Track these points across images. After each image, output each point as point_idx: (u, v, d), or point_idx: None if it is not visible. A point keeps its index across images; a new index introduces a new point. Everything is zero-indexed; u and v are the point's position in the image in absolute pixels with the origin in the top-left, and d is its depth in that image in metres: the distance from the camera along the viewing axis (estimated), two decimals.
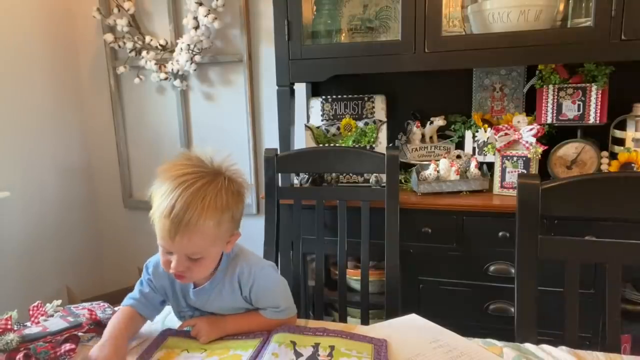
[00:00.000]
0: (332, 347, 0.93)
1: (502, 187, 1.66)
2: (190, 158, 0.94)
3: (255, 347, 0.95)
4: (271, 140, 2.24)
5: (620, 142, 1.63)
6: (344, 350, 0.92)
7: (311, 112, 1.99)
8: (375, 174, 1.70)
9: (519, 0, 1.54)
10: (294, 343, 0.94)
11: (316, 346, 0.93)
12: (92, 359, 0.88)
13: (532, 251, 1.02)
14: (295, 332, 0.99)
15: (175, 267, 0.91)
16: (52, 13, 2.32)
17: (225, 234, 0.94)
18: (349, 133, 1.81)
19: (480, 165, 1.71)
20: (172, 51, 2.23)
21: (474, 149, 1.80)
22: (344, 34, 1.89)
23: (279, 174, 1.55)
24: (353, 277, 1.80)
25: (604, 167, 1.61)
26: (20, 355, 0.86)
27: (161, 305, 1.08)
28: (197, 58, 2.18)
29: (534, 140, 1.59)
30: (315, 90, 2.06)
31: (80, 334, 0.97)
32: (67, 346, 0.91)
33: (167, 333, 1.04)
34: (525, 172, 1.61)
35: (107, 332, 0.96)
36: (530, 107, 1.79)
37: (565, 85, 1.65)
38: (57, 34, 2.35)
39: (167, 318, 1.11)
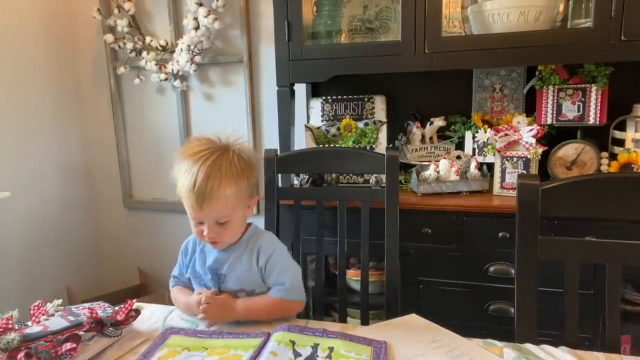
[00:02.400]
0: (331, 349, 0.93)
1: (502, 187, 1.66)
2: (200, 139, 1.08)
3: (255, 347, 0.95)
4: (271, 140, 2.24)
5: (620, 142, 1.63)
6: (343, 352, 0.92)
7: (311, 113, 1.99)
8: (375, 175, 1.71)
9: (519, 1, 1.54)
10: (293, 342, 0.94)
11: (315, 347, 0.93)
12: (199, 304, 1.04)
13: (532, 251, 1.03)
14: (294, 332, 0.99)
15: (208, 234, 1.05)
16: (52, 13, 2.32)
17: (245, 198, 1.08)
18: (349, 133, 1.81)
19: (480, 165, 1.71)
20: (173, 52, 2.23)
21: (474, 149, 1.80)
22: (344, 35, 1.90)
23: (279, 175, 1.55)
24: (353, 278, 1.80)
25: (604, 168, 1.61)
26: (21, 355, 0.86)
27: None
28: (198, 58, 2.18)
29: (533, 140, 1.59)
30: (315, 91, 2.06)
31: (81, 333, 0.97)
32: (68, 345, 0.91)
33: (169, 332, 1.04)
34: (525, 172, 1.61)
35: (183, 300, 1.13)
36: (530, 107, 1.80)
37: (565, 85, 1.65)
38: (57, 35, 2.35)
39: (169, 317, 1.11)
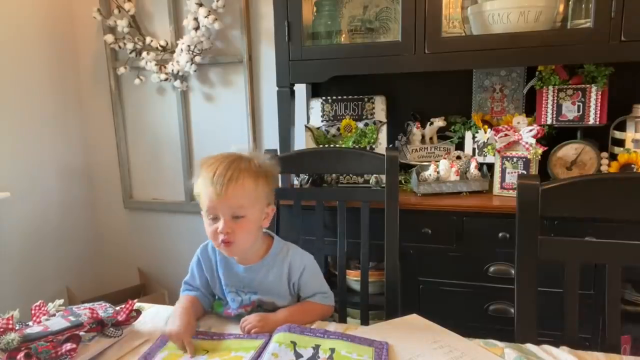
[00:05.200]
0: (332, 350, 0.93)
1: (502, 188, 1.66)
2: (222, 153, 1.11)
3: (256, 348, 0.95)
4: (271, 141, 2.24)
5: (620, 143, 1.63)
6: (344, 353, 0.92)
7: (311, 113, 1.99)
8: (375, 175, 1.71)
9: (519, 1, 1.54)
10: (294, 344, 0.94)
11: (316, 348, 0.93)
12: (165, 333, 1.00)
13: (532, 252, 1.03)
14: (295, 332, 0.99)
15: (223, 229, 1.04)
16: (52, 14, 2.32)
17: (263, 199, 1.10)
18: (349, 134, 1.81)
19: (480, 166, 1.71)
20: (173, 52, 2.23)
21: (473, 149, 1.80)
22: (344, 35, 1.90)
23: (279, 175, 1.55)
24: (353, 278, 1.80)
25: (604, 168, 1.61)
26: (21, 355, 0.87)
27: (210, 294, 1.19)
28: (198, 59, 2.18)
29: (533, 141, 1.59)
30: (315, 91, 2.06)
31: (81, 333, 0.97)
32: (68, 346, 0.91)
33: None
34: (525, 173, 1.61)
35: (174, 311, 1.09)
36: (530, 108, 1.80)
37: (565, 86, 1.65)
38: (57, 35, 2.35)
39: (170, 319, 1.11)
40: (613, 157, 1.62)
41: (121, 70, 2.34)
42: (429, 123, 1.91)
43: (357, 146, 1.75)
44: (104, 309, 1.04)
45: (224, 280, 1.15)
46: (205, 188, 1.05)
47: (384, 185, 1.39)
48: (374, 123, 1.80)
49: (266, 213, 1.12)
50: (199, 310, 1.14)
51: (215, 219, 1.06)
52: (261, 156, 1.14)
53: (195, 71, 2.20)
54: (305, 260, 1.16)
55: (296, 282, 1.14)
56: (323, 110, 1.96)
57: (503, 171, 1.65)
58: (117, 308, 1.05)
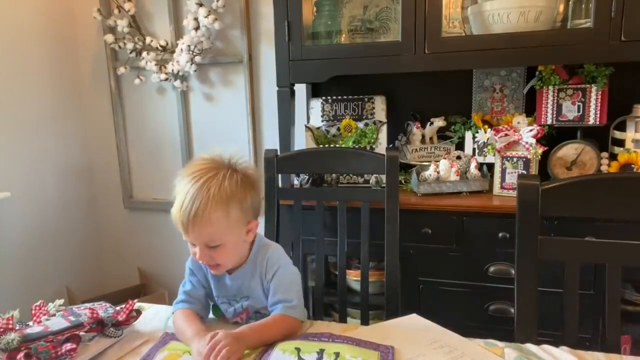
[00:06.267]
0: (337, 354, 0.91)
1: (502, 187, 1.66)
2: (204, 157, 1.04)
3: (258, 351, 0.95)
4: (271, 141, 2.24)
5: (620, 143, 1.63)
6: (349, 357, 0.91)
7: (311, 113, 1.99)
8: (375, 175, 1.71)
9: (519, 1, 1.54)
10: (298, 350, 0.93)
11: (321, 352, 0.92)
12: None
13: (532, 252, 1.03)
14: (299, 339, 0.98)
15: (200, 257, 1.01)
16: (52, 14, 2.32)
17: (238, 222, 1.01)
18: (349, 134, 1.81)
19: (480, 166, 1.71)
20: (173, 52, 2.23)
21: (474, 149, 1.80)
22: (344, 35, 1.90)
23: (279, 175, 1.55)
24: (353, 278, 1.80)
25: (604, 168, 1.61)
26: (21, 355, 0.87)
27: (206, 301, 1.14)
28: (198, 59, 2.18)
29: (533, 141, 1.59)
30: (315, 91, 2.06)
31: (81, 333, 0.97)
32: (68, 346, 0.91)
33: (169, 337, 1.03)
34: (525, 173, 1.61)
35: (183, 335, 1.01)
36: (530, 108, 1.80)
37: (565, 86, 1.65)
38: (57, 35, 2.35)
39: (170, 320, 1.11)
40: (613, 157, 1.62)
41: (121, 70, 2.34)
42: (429, 123, 1.91)
43: (357, 146, 1.75)
44: (104, 309, 1.04)
45: (215, 291, 1.11)
46: (175, 212, 0.98)
47: (384, 185, 1.39)
48: (374, 123, 1.80)
49: (248, 229, 1.04)
50: (196, 320, 1.07)
51: (193, 243, 1.01)
52: (243, 167, 1.04)
53: (195, 71, 2.20)
54: (282, 261, 1.09)
55: (269, 281, 1.07)
56: (323, 110, 1.96)
57: (503, 171, 1.65)
58: (117, 308, 1.05)
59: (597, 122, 1.62)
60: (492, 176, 1.70)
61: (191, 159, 2.40)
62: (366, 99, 1.93)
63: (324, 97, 1.96)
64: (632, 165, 1.56)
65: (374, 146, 1.75)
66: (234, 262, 1.06)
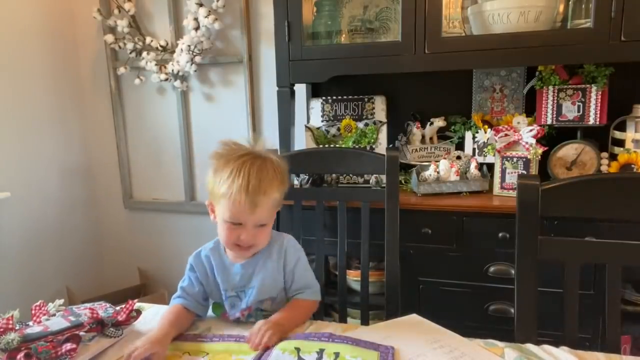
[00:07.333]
0: (337, 354, 0.91)
1: (502, 188, 1.66)
2: (236, 143, 1.08)
3: (256, 351, 0.95)
4: (271, 141, 2.23)
5: (620, 143, 1.63)
6: (349, 357, 0.91)
7: (311, 113, 1.99)
8: (375, 175, 1.71)
9: (519, 1, 1.54)
10: (298, 350, 0.93)
11: (321, 352, 0.92)
12: (130, 350, 0.92)
13: (532, 252, 1.03)
14: (299, 339, 0.98)
15: (247, 238, 1.03)
16: (52, 14, 2.32)
17: (279, 205, 1.09)
18: (349, 134, 1.81)
19: (480, 166, 1.71)
20: (173, 52, 2.23)
21: (474, 149, 1.80)
22: (344, 35, 1.90)
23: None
24: (353, 278, 1.80)
25: (604, 168, 1.61)
26: (21, 355, 0.87)
27: (204, 300, 1.14)
28: (198, 59, 2.18)
29: (533, 141, 1.59)
30: (315, 91, 2.06)
31: (81, 333, 0.97)
32: (68, 346, 0.91)
33: None
34: (525, 173, 1.61)
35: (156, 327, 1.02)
36: (530, 108, 1.80)
37: (565, 86, 1.65)
38: (57, 35, 2.35)
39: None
40: (613, 157, 1.62)
41: (121, 70, 2.34)
42: (429, 123, 1.91)
43: (357, 146, 1.75)
44: (104, 309, 1.04)
45: (222, 285, 1.11)
46: (235, 196, 0.99)
47: (384, 185, 1.39)
48: (374, 123, 1.80)
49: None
50: (183, 320, 1.07)
51: (235, 224, 1.02)
52: (279, 157, 1.10)
53: (195, 71, 2.20)
54: (299, 251, 1.15)
55: (291, 271, 1.11)
56: (323, 110, 1.96)
57: (503, 171, 1.65)
58: (117, 308, 1.05)
59: (597, 122, 1.62)
60: (492, 176, 1.70)
61: (191, 159, 2.40)
62: (366, 99, 1.93)
63: (324, 97, 1.96)
64: (632, 166, 1.56)
65: (374, 146, 1.75)
66: (267, 241, 1.10)
